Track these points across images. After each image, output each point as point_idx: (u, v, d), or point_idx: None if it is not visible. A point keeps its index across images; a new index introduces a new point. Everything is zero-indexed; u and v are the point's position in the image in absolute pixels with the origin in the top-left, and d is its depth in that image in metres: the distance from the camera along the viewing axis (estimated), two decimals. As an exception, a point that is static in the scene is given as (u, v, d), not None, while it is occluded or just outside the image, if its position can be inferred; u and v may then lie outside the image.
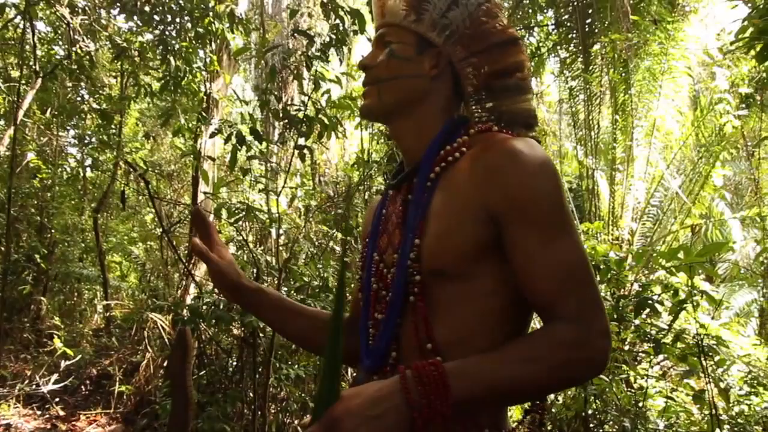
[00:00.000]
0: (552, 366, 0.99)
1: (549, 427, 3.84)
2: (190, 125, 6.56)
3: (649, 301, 3.30)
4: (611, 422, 3.56)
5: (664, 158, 7.49)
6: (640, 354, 4.16)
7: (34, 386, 6.28)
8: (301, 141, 4.11)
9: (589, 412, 3.51)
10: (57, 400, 6.19)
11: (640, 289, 3.54)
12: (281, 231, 5.15)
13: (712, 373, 3.48)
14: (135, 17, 5.50)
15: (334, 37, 4.10)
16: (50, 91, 7.90)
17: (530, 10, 8.27)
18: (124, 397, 6.09)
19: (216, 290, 4.38)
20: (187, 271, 6.27)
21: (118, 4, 5.52)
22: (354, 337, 1.31)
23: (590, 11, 7.55)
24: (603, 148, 7.64)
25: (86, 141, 8.83)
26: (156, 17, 5.42)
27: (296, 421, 4.50)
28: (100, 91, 7.70)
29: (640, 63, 7.01)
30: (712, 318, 4.25)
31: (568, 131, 9.79)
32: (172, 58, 5.30)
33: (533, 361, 0.99)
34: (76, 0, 6.17)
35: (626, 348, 3.96)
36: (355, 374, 1.36)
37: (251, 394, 4.20)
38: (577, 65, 7.82)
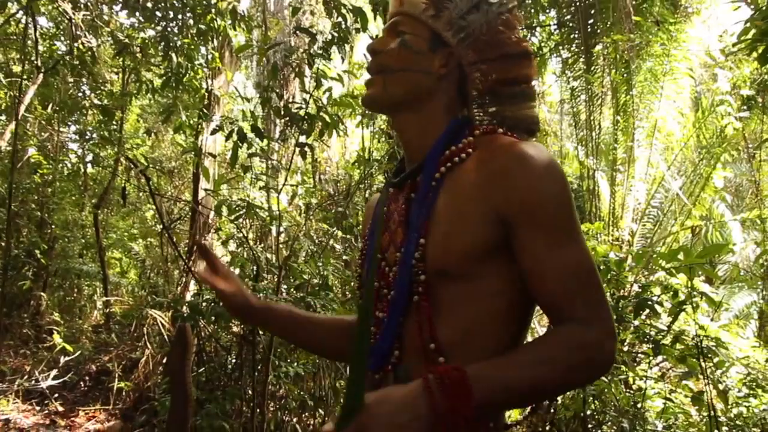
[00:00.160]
0: (566, 367, 1.01)
1: (548, 428, 3.84)
2: (192, 122, 6.56)
3: (649, 302, 3.30)
4: (610, 423, 3.57)
5: (665, 159, 7.49)
6: (639, 355, 4.15)
7: (33, 382, 6.28)
8: (302, 139, 4.11)
9: (588, 412, 3.50)
10: (56, 395, 6.19)
11: (640, 290, 3.54)
12: (282, 229, 5.15)
13: (711, 375, 3.48)
14: (137, 13, 5.50)
15: (336, 35, 4.10)
16: (52, 86, 7.90)
17: (532, 10, 8.26)
18: (123, 393, 6.09)
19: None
20: (187, 267, 6.27)
21: (120, 1, 5.52)
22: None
23: (592, 12, 7.54)
24: (604, 149, 7.63)
25: (87, 137, 8.83)
26: (158, 13, 5.42)
27: (295, 419, 4.50)
28: (102, 87, 7.70)
29: (642, 64, 7.01)
30: (712, 320, 4.25)
31: (569, 131, 9.78)
32: (173, 55, 5.30)
33: (549, 363, 1.00)
34: (78, -4, 6.17)
35: (625, 349, 3.96)
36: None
37: (250, 392, 4.20)
38: (579, 65, 7.81)
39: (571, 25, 7.95)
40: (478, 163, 1.13)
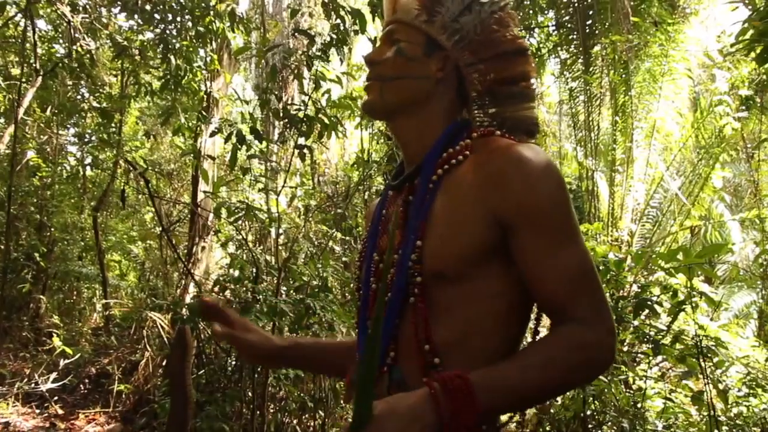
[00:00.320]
0: (568, 368, 1.02)
1: (548, 428, 3.84)
2: (190, 124, 6.57)
3: (648, 302, 3.30)
4: (610, 423, 3.57)
5: (664, 160, 7.49)
6: (639, 355, 4.16)
7: (33, 385, 6.28)
8: (301, 140, 4.11)
9: (588, 412, 3.51)
10: (56, 398, 6.19)
11: (639, 290, 3.54)
12: (281, 230, 5.15)
13: (711, 375, 3.48)
14: (136, 16, 5.51)
15: (334, 36, 4.10)
16: (50, 89, 7.90)
17: (531, 11, 8.27)
18: (123, 395, 6.08)
19: (215, 290, 4.40)
20: (187, 270, 6.27)
21: (119, 3, 5.53)
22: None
23: (591, 12, 7.55)
24: (603, 150, 7.64)
25: (86, 139, 8.83)
26: (157, 16, 5.42)
27: (295, 421, 4.50)
28: (101, 90, 7.70)
29: (641, 64, 7.01)
30: (711, 319, 4.25)
31: (568, 132, 9.79)
32: (172, 57, 5.30)
33: (552, 364, 1.01)
34: (76, -2, 6.17)
35: (625, 349, 3.96)
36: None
37: (250, 394, 4.20)
38: (578, 66, 7.82)
39: (569, 26, 7.96)
40: (474, 166, 1.13)
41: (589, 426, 3.55)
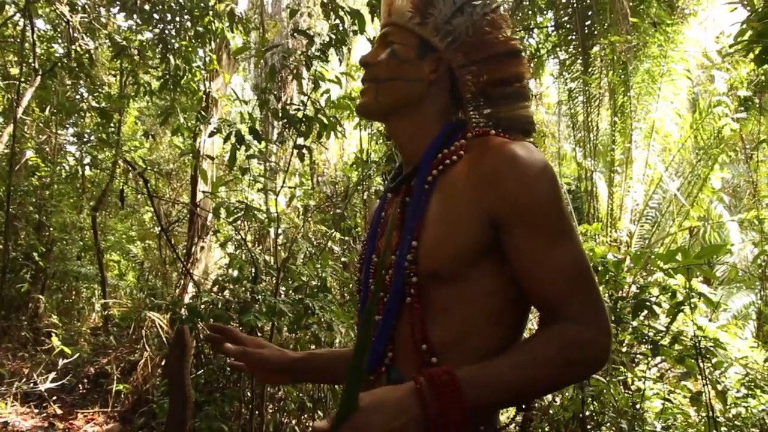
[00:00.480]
0: (561, 366, 1.02)
1: (546, 429, 3.84)
2: (189, 124, 6.57)
3: (647, 303, 3.30)
4: (608, 424, 3.57)
5: (663, 160, 7.50)
6: (637, 356, 4.16)
7: (31, 384, 6.27)
8: (300, 141, 4.11)
9: (587, 413, 3.51)
10: (54, 398, 6.18)
11: (638, 291, 3.54)
12: (280, 230, 5.15)
13: (710, 375, 3.48)
14: (135, 16, 5.51)
15: (333, 37, 4.10)
16: (49, 89, 7.90)
17: (530, 12, 8.28)
18: (122, 395, 6.08)
19: (214, 289, 4.40)
20: (186, 270, 6.27)
21: (118, 3, 5.53)
22: None
23: (590, 13, 7.55)
24: (602, 150, 7.65)
25: (85, 139, 8.84)
26: (156, 16, 5.42)
27: (293, 421, 4.50)
28: (100, 90, 7.70)
29: (640, 65, 7.02)
30: (710, 320, 4.26)
31: (567, 133, 9.79)
32: (171, 57, 5.30)
33: (543, 362, 1.01)
34: (75, -2, 6.17)
35: (624, 350, 3.97)
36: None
37: (249, 394, 4.20)
38: (577, 67, 7.83)
39: (568, 26, 7.96)
40: (468, 165, 1.14)
41: (588, 426, 3.55)
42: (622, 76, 6.94)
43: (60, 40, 7.88)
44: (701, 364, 3.27)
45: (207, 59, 6.12)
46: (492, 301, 1.10)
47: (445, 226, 1.11)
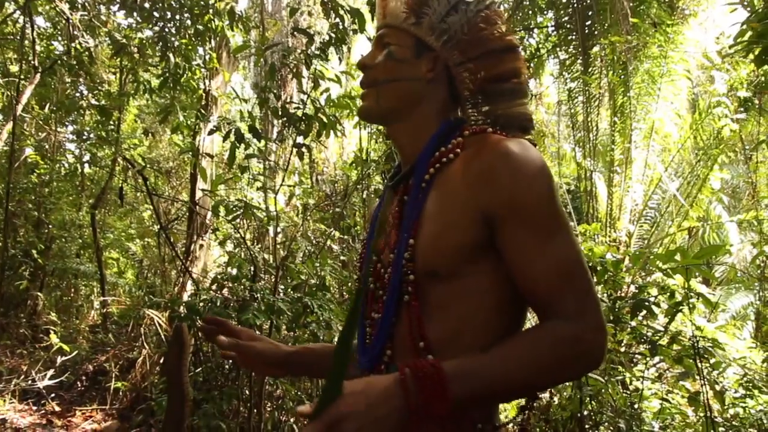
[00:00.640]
0: (553, 362, 1.02)
1: (545, 428, 3.85)
2: (189, 122, 6.56)
3: (646, 303, 3.30)
4: (606, 423, 3.57)
5: (662, 161, 7.50)
6: (636, 356, 4.16)
7: (30, 382, 6.27)
8: (300, 139, 4.11)
9: (585, 413, 3.51)
10: (53, 395, 6.18)
11: (637, 291, 3.54)
12: (279, 229, 5.15)
13: (708, 376, 3.48)
14: (135, 14, 5.51)
15: (333, 35, 4.11)
16: (49, 86, 7.90)
17: (530, 12, 8.28)
18: (120, 393, 6.08)
19: (213, 287, 4.40)
20: (185, 268, 6.27)
21: (118, 1, 5.52)
22: None
23: (590, 13, 7.55)
24: (601, 150, 7.65)
25: (85, 137, 8.83)
26: (156, 14, 5.42)
27: (292, 419, 4.50)
28: (99, 87, 7.70)
29: (640, 65, 7.02)
30: (708, 320, 4.26)
31: (566, 133, 9.80)
32: (171, 55, 5.30)
33: (533, 358, 1.01)
34: (76, -4, 6.17)
35: (622, 349, 3.97)
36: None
37: (247, 392, 4.20)
38: (577, 67, 7.83)
39: (568, 26, 7.96)
40: (464, 163, 1.14)
41: (586, 426, 3.55)
42: (622, 77, 6.94)
43: (60, 38, 7.88)
44: (699, 365, 3.27)
45: (207, 57, 6.12)
46: (488, 298, 1.10)
47: (442, 223, 1.12)
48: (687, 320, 3.41)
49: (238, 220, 4.44)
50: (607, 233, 6.68)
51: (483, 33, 1.24)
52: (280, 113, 4.06)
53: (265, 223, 4.70)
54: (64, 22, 6.62)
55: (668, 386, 4.28)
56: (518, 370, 1.00)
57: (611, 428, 3.52)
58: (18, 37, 7.61)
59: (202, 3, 5.30)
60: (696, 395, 3.51)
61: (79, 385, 6.59)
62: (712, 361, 3.44)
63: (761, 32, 2.98)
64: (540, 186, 1.07)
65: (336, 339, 0.96)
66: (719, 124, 6.64)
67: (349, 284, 5.47)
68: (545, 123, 10.91)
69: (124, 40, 5.95)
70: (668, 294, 3.34)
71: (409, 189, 1.22)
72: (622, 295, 4.00)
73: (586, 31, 7.64)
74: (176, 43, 5.42)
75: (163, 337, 5.95)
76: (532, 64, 8.39)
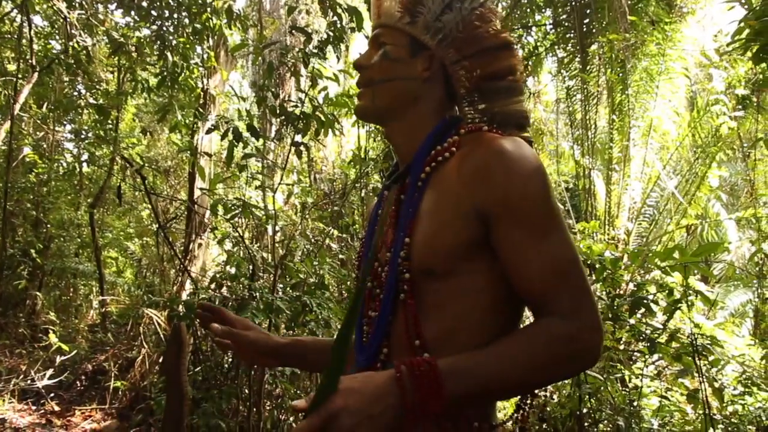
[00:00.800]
0: (546, 361, 1.02)
1: (544, 426, 3.85)
2: (187, 121, 6.55)
3: (644, 301, 3.31)
4: (606, 421, 3.58)
5: (661, 158, 7.51)
6: (634, 353, 4.16)
7: (29, 381, 6.27)
8: (298, 138, 4.11)
9: (584, 410, 3.51)
10: (52, 395, 6.18)
11: (636, 289, 3.54)
12: (277, 228, 5.15)
13: (707, 373, 3.49)
14: (132, 12, 5.50)
15: (331, 34, 4.10)
16: (47, 85, 7.89)
17: (528, 10, 8.28)
18: (120, 392, 6.08)
19: (212, 286, 4.40)
20: (183, 267, 6.27)
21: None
22: None
23: (588, 11, 7.56)
24: (600, 148, 7.65)
25: (83, 136, 8.82)
26: (153, 12, 5.41)
27: (291, 418, 4.50)
28: (97, 86, 7.69)
29: (638, 63, 7.02)
30: (707, 318, 4.26)
31: (565, 131, 9.80)
32: (169, 54, 5.29)
33: (526, 357, 1.01)
34: (73, -6, 6.16)
35: (621, 347, 3.97)
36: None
37: (246, 391, 4.20)
38: (575, 65, 7.83)
39: (566, 24, 7.97)
40: (460, 161, 1.14)
41: (585, 424, 3.56)
42: (621, 75, 6.94)
43: (57, 37, 7.87)
44: (698, 362, 3.27)
45: (205, 56, 6.12)
46: (484, 297, 1.10)
47: (437, 222, 1.12)
48: (686, 318, 3.42)
49: (236, 219, 4.44)
50: (606, 231, 6.68)
51: (478, 31, 1.24)
52: (278, 112, 4.05)
53: (263, 222, 4.70)
54: (61, 20, 6.60)
55: (667, 384, 4.28)
56: (513, 368, 1.00)
57: (610, 426, 3.52)
58: (15, 36, 7.60)
59: (199, 1, 5.29)
60: (695, 393, 3.52)
61: (79, 385, 6.60)
62: (711, 358, 3.45)
63: (759, 30, 2.99)
64: (535, 184, 1.08)
65: (335, 336, 0.96)
66: (717, 122, 6.64)
67: (348, 283, 5.47)
68: (544, 121, 10.92)
69: (121, 39, 5.95)
70: (667, 291, 3.35)
71: (405, 188, 1.23)
72: (621, 292, 4.00)
73: (585, 29, 7.64)
74: (174, 42, 5.41)
75: (162, 336, 5.95)
76: (530, 62, 8.39)
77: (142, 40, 6.06)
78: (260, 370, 4.07)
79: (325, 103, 4.22)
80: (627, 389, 3.85)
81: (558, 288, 1.04)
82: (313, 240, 6.00)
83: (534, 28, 8.48)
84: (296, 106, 4.06)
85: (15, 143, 7.72)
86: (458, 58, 1.24)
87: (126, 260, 11.72)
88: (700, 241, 8.80)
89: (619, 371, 3.70)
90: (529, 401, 1.16)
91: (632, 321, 3.49)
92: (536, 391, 1.16)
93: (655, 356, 3.96)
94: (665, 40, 6.79)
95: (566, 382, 3.61)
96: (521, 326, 1.17)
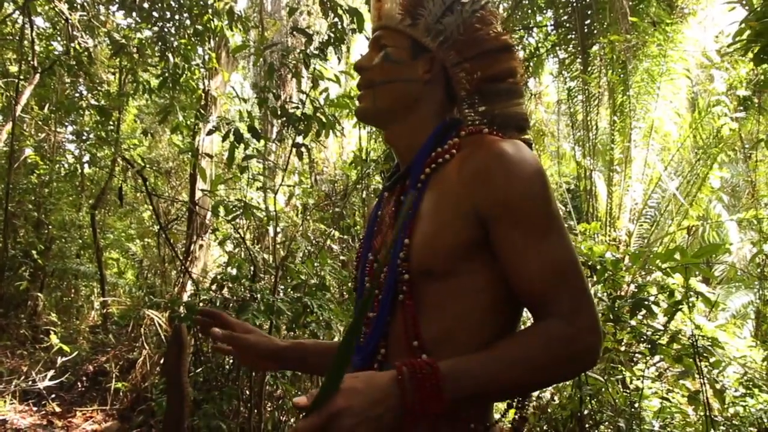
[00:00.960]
0: (544, 363, 1.02)
1: (545, 428, 3.85)
2: (189, 122, 6.56)
3: (645, 302, 3.30)
4: (607, 423, 3.57)
5: (662, 160, 7.50)
6: (636, 355, 4.16)
7: (30, 382, 6.27)
8: (299, 139, 4.11)
9: (585, 412, 3.51)
10: (53, 396, 6.18)
11: (637, 290, 3.54)
12: (279, 229, 5.15)
13: (708, 375, 3.48)
14: (134, 14, 5.50)
15: (332, 35, 4.11)
16: (48, 86, 7.90)
17: (529, 11, 8.28)
18: (121, 393, 6.08)
19: (213, 287, 4.40)
20: (184, 268, 6.27)
21: (117, 1, 5.52)
22: None
23: (589, 12, 7.55)
24: (601, 149, 7.65)
25: (84, 137, 8.82)
26: (155, 14, 5.42)
27: (292, 419, 4.50)
28: (99, 88, 7.69)
29: (639, 64, 7.02)
30: (708, 319, 4.26)
31: (566, 132, 9.79)
32: (170, 55, 5.30)
33: (526, 359, 1.01)
34: (75, -4, 6.17)
35: (622, 349, 3.96)
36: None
37: (247, 392, 4.20)
38: (576, 66, 7.83)
39: (568, 25, 7.96)
40: (460, 163, 1.14)
41: (586, 425, 3.55)
42: (622, 76, 6.94)
43: (59, 38, 7.88)
44: (699, 363, 3.27)
45: (206, 57, 6.12)
46: (483, 298, 1.10)
47: (437, 223, 1.12)
48: (687, 319, 3.41)
49: (237, 220, 4.44)
50: (607, 232, 6.68)
51: (479, 33, 1.25)
52: (279, 113, 4.05)
53: (264, 223, 4.71)
54: (63, 22, 6.61)
55: (668, 385, 4.28)
56: (512, 370, 1.01)
57: (611, 427, 3.52)
58: (17, 38, 7.61)
59: (201, 3, 5.30)
60: (696, 394, 3.51)
61: (80, 386, 6.60)
62: (712, 360, 3.44)
63: (760, 31, 2.98)
64: (534, 186, 1.08)
65: (336, 338, 0.96)
66: (719, 123, 6.64)
67: (349, 284, 5.47)
68: (545, 122, 10.92)
69: (123, 41, 5.95)
70: (668, 293, 3.34)
71: (405, 189, 1.23)
72: (622, 294, 4.00)
73: (586, 30, 7.64)
74: (175, 43, 5.42)
75: (163, 337, 5.95)
76: (531, 63, 8.39)
77: (143, 41, 6.06)
78: (261, 372, 4.07)
79: (326, 105, 4.22)
80: (628, 391, 3.84)
81: (557, 289, 1.04)
82: (314, 241, 6.00)
83: (535, 29, 8.48)
84: (297, 108, 4.06)
85: (17, 144, 7.73)
86: (459, 61, 1.25)
87: (127, 261, 11.72)
88: (701, 243, 8.81)
89: (620, 373, 3.69)
90: (523, 403, 1.16)
91: (633, 322, 3.49)
92: (537, 393, 1.17)
93: (656, 358, 3.96)
94: (666, 41, 6.79)
95: (567, 383, 3.61)
96: (521, 326, 1.17)
